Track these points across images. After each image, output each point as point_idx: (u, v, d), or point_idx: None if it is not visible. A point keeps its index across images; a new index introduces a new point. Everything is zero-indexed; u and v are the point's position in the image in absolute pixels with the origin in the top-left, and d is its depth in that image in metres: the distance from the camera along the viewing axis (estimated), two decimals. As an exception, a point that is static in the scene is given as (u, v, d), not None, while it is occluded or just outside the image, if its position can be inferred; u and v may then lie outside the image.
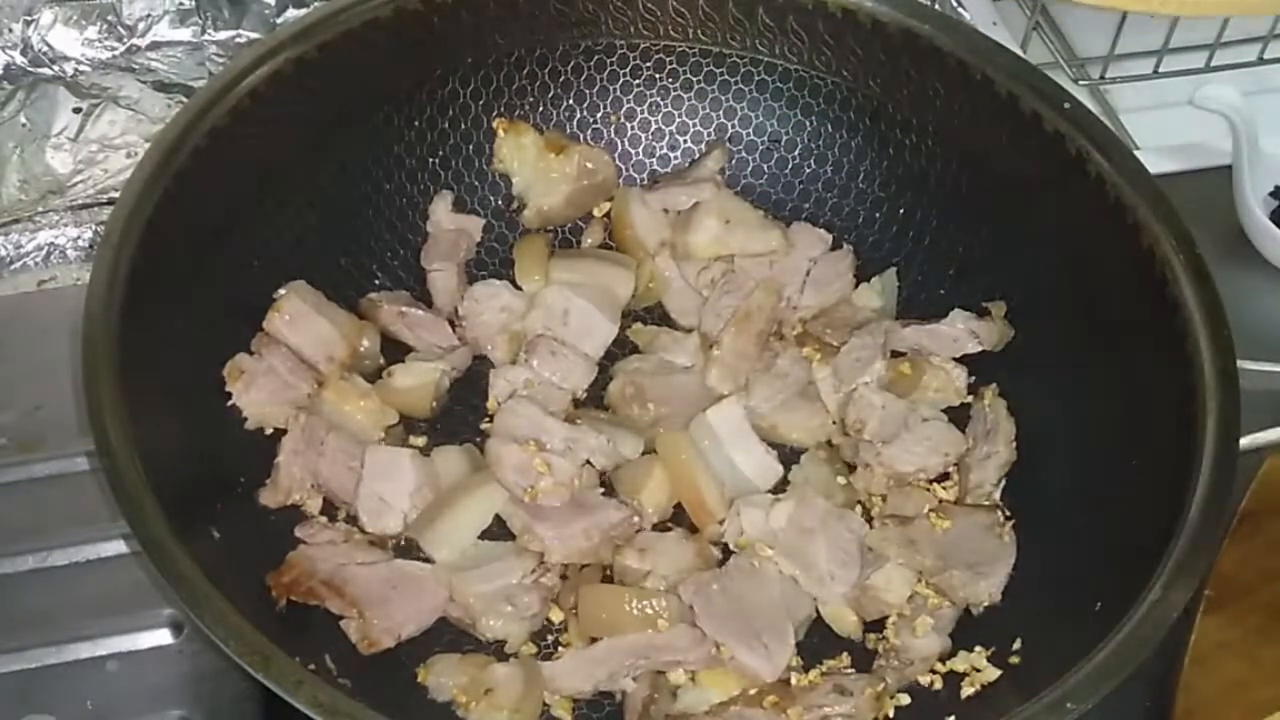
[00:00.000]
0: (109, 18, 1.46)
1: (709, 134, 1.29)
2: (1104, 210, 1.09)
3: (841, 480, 1.14)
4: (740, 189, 1.29)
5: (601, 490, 1.12)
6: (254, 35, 1.47)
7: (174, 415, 1.01)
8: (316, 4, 1.42)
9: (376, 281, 1.22)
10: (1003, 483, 1.12)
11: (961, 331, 1.17)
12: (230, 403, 1.09)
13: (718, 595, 1.04)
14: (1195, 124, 1.44)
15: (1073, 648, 0.88)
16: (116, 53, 1.46)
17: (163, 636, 1.08)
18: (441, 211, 1.24)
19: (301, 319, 1.13)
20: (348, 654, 0.99)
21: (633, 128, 1.29)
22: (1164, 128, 1.46)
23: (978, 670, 1.01)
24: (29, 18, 1.44)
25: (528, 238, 1.28)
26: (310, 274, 1.15)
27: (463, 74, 1.23)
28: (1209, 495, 0.93)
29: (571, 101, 1.28)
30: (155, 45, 1.48)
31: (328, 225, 1.19)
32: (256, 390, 1.10)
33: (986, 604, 1.05)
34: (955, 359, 1.18)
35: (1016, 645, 1.01)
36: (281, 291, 1.14)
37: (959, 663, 1.03)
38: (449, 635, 1.05)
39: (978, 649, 1.03)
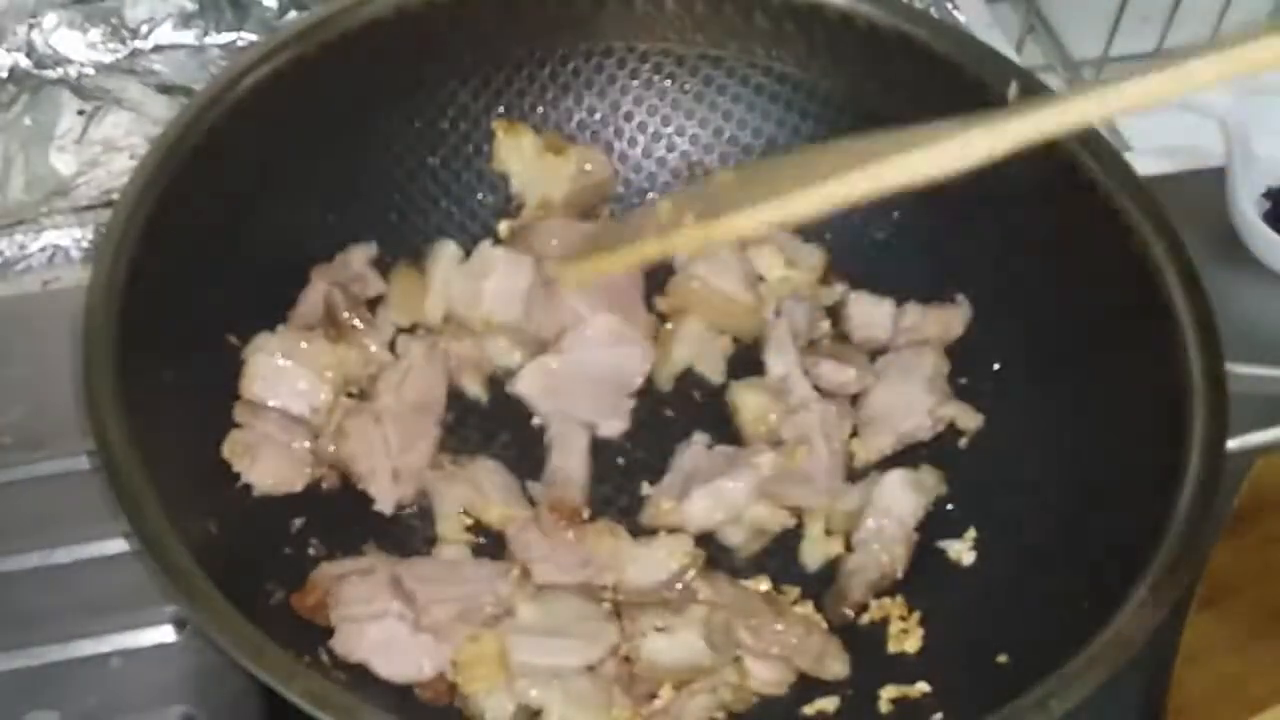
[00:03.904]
0: (112, 20, 1.47)
1: (705, 136, 1.30)
2: (1095, 213, 1.10)
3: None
4: (736, 191, 1.29)
5: None
6: (255, 38, 1.48)
7: (173, 411, 1.01)
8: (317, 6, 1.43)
9: (375, 281, 1.23)
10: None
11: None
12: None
13: None
14: (1188, 126, 1.45)
15: (1058, 647, 0.89)
16: (119, 55, 1.47)
17: (166, 633, 1.08)
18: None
19: (275, 376, 1.07)
20: (343, 647, 1.00)
21: (630, 129, 1.30)
22: (1157, 130, 1.46)
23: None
24: (33, 21, 1.45)
25: None
26: (309, 272, 1.16)
27: (462, 74, 1.24)
28: (1196, 499, 0.94)
29: (569, 103, 1.28)
30: (158, 48, 1.48)
31: (326, 224, 1.19)
32: (263, 462, 1.05)
33: None
34: None
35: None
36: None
37: (944, 661, 1.03)
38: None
39: (962, 649, 1.03)
